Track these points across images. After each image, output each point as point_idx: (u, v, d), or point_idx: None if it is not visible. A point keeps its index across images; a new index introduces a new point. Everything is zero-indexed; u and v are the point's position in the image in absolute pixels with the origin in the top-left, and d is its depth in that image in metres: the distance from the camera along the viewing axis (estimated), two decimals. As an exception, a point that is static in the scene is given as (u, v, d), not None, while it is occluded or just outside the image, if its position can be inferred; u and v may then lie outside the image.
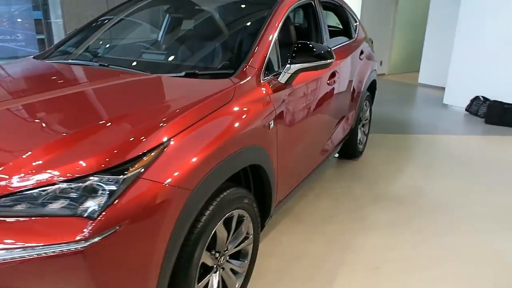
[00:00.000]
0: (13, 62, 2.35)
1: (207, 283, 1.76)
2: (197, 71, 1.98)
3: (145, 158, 1.34)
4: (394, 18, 8.77)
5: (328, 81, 2.72)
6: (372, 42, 4.34)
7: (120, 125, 1.47)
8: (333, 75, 2.80)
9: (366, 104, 4.00)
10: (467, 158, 4.21)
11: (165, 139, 1.41)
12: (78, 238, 1.17)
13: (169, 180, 1.36)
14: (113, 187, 1.25)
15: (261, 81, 2.01)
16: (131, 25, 2.59)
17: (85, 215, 1.21)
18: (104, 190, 1.25)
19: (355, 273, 2.31)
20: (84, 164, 1.26)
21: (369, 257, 2.47)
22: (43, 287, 1.20)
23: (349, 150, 3.95)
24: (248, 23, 2.46)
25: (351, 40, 3.54)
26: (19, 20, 7.17)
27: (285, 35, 2.47)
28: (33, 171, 1.24)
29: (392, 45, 8.98)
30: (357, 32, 3.73)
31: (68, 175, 1.24)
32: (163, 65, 2.21)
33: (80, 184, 1.24)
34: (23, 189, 1.21)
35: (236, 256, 2.00)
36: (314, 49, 2.13)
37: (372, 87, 4.09)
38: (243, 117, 1.79)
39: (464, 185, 3.55)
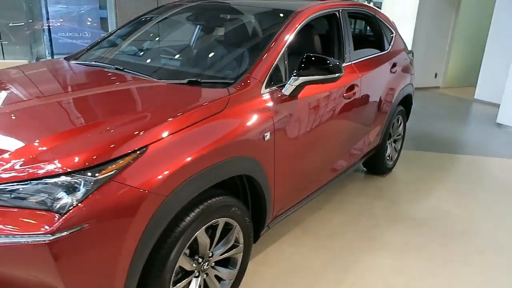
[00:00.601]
0: (45, 61, 2.55)
1: (187, 286, 1.80)
2: (199, 79, 2.04)
3: (120, 162, 1.41)
4: (452, 30, 8.29)
5: (344, 94, 2.65)
6: (412, 54, 4.17)
7: (100, 129, 1.55)
8: (351, 88, 2.72)
9: (398, 120, 3.84)
10: None
11: (142, 145, 1.48)
12: (44, 230, 1.26)
13: (141, 184, 1.42)
14: (85, 187, 1.34)
15: (261, 93, 2.02)
16: (153, 32, 2.72)
17: (55, 210, 1.30)
18: (76, 188, 1.33)
19: (351, 294, 2.24)
20: (59, 164, 1.35)
21: (370, 281, 2.37)
22: (15, 274, 1.31)
23: (376, 166, 3.81)
24: (260, 35, 2.47)
25: (382, 52, 3.42)
26: (88, 18, 7.76)
27: (301, 46, 2.45)
28: (16, 167, 1.35)
29: (449, 57, 8.49)
30: (392, 43, 3.59)
31: (46, 172, 1.34)
32: (172, 72, 2.29)
33: (56, 181, 1.34)
34: (6, 181, 1.33)
35: (225, 263, 2.03)
36: (321, 63, 2.10)
37: (406, 102, 3.91)
38: (234, 127, 1.81)
39: (496, 214, 3.29)
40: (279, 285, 2.28)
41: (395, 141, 3.98)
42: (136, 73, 2.16)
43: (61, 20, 7.10)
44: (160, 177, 1.48)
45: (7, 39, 5.61)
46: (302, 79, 2.10)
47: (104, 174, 1.37)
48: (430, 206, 3.34)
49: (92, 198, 1.33)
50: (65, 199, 1.32)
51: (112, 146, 1.44)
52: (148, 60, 2.44)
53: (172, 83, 2.04)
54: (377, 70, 3.16)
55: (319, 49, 2.70)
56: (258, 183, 1.99)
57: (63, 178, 1.34)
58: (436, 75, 8.54)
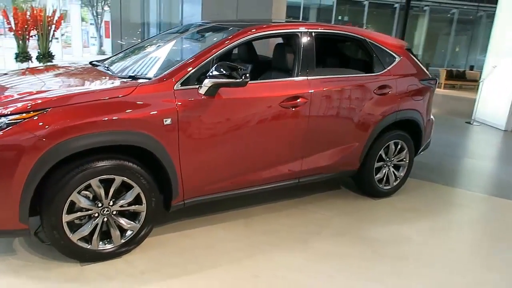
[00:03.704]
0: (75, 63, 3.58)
1: (80, 223, 2.44)
2: (136, 75, 2.72)
3: (26, 115, 2.18)
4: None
5: (282, 103, 2.95)
6: (436, 82, 4.08)
7: (27, 95, 2.37)
8: (293, 99, 3.01)
9: (397, 144, 3.78)
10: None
11: (49, 106, 2.22)
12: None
13: (39, 132, 2.16)
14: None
15: (174, 88, 2.57)
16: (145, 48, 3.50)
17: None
18: None
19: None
20: None
21: (261, 268, 2.62)
22: None
23: (362, 187, 3.83)
24: (199, 49, 2.99)
25: (366, 74, 3.53)
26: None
27: (248, 57, 2.92)
28: None
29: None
30: (389, 67, 3.64)
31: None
32: (129, 71, 2.98)
33: None
34: None
35: (132, 217, 2.60)
36: (234, 69, 2.56)
37: (409, 127, 3.84)
38: (133, 109, 2.42)
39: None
40: (187, 255, 2.71)
41: (396, 167, 3.90)
42: (107, 70, 2.98)
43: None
44: (51, 130, 2.19)
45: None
46: (212, 81, 2.59)
47: (12, 120, 2.15)
48: (392, 231, 3.25)
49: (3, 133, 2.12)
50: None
51: (26, 105, 2.23)
52: (124, 64, 3.21)
53: (118, 76, 2.79)
54: (346, 88, 3.32)
55: (272, 64, 3.10)
56: (157, 157, 2.53)
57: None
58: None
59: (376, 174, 3.76)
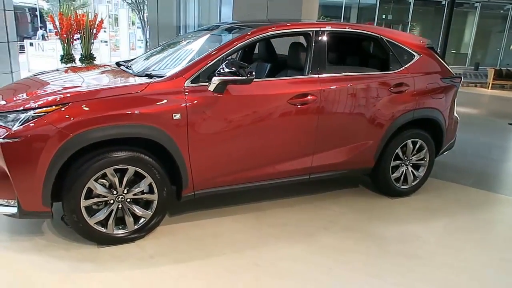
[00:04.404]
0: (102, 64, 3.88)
1: (98, 209, 2.68)
2: (151, 74, 2.93)
3: (49, 108, 2.44)
4: None
5: (290, 100, 3.03)
6: (461, 80, 3.99)
7: (49, 91, 2.64)
8: (302, 96, 3.08)
9: (415, 143, 3.73)
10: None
11: (69, 101, 2.47)
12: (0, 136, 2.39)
13: (59, 124, 2.41)
14: (25, 118, 2.41)
15: (185, 85, 2.75)
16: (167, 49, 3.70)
17: (10, 127, 2.41)
18: (19, 118, 2.42)
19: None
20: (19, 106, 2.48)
21: (260, 257, 2.73)
22: None
23: (379, 185, 3.81)
24: (212, 47, 3.11)
25: (380, 72, 3.53)
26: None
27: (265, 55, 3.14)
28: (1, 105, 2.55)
29: None
30: (406, 65, 3.61)
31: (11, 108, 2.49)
32: (146, 70, 3.17)
33: (14, 114, 2.46)
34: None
35: (146, 206, 2.81)
36: (235, 67, 2.69)
37: (429, 126, 3.78)
38: (144, 104, 2.61)
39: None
40: (195, 242, 2.88)
41: (415, 166, 3.85)
42: (128, 69, 3.21)
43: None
44: (72, 121, 2.43)
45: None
46: (219, 78, 2.73)
47: (38, 113, 2.42)
48: (402, 229, 3.23)
49: (27, 125, 2.39)
50: (15, 124, 2.41)
51: (48, 100, 2.49)
52: (145, 64, 3.42)
53: (136, 74, 3.01)
54: (357, 86, 3.33)
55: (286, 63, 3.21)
56: (167, 149, 2.71)
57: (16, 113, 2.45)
58: None
59: (393, 173, 3.73)
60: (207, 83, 2.80)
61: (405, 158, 3.77)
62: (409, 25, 22.18)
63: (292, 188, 3.77)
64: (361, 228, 3.22)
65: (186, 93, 2.74)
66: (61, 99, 2.50)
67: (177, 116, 2.70)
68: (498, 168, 5.06)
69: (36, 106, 2.48)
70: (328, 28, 3.36)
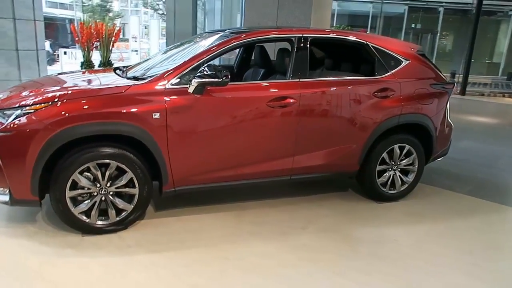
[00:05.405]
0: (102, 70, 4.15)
1: (81, 200, 2.88)
2: (138, 77, 3.14)
3: (38, 106, 2.69)
4: None
5: (268, 103, 3.15)
6: (454, 86, 3.98)
7: (40, 91, 2.89)
8: (281, 99, 3.20)
9: (402, 148, 3.75)
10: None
11: (56, 100, 2.71)
12: (-5, 130, 2.65)
13: (46, 121, 2.65)
14: (15, 115, 2.67)
15: (166, 87, 2.94)
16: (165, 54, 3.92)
17: (4, 122, 2.68)
18: (12, 114, 2.68)
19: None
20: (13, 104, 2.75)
21: (230, 252, 2.85)
22: None
23: (365, 188, 3.85)
24: (196, 52, 3.29)
25: (363, 77, 3.59)
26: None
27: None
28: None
29: None
30: (393, 70, 3.66)
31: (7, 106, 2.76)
32: (139, 73, 3.39)
33: (11, 111, 2.72)
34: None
35: (129, 199, 3.00)
36: (212, 71, 2.86)
37: (418, 131, 3.79)
38: (125, 103, 2.82)
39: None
40: (174, 236, 3.05)
41: (404, 171, 3.86)
42: (121, 73, 3.46)
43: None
44: (57, 118, 2.67)
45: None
46: (197, 81, 2.90)
47: (28, 110, 2.67)
48: (380, 232, 3.25)
49: (18, 120, 2.65)
50: (8, 119, 2.68)
51: (37, 98, 2.74)
52: (138, 68, 3.64)
53: (124, 77, 3.24)
54: (338, 90, 3.41)
55: (263, 64, 3.35)
56: (147, 146, 2.90)
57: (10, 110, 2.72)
58: None
59: (379, 177, 3.76)
60: (187, 85, 2.98)
61: (392, 163, 3.79)
62: (438, 34, 21.75)
63: (281, 189, 3.87)
64: (339, 229, 3.27)
65: (166, 94, 2.93)
66: (51, 97, 2.75)
67: (157, 115, 2.88)
68: (501, 177, 4.92)
69: (29, 104, 2.73)
70: (311, 34, 3.47)
